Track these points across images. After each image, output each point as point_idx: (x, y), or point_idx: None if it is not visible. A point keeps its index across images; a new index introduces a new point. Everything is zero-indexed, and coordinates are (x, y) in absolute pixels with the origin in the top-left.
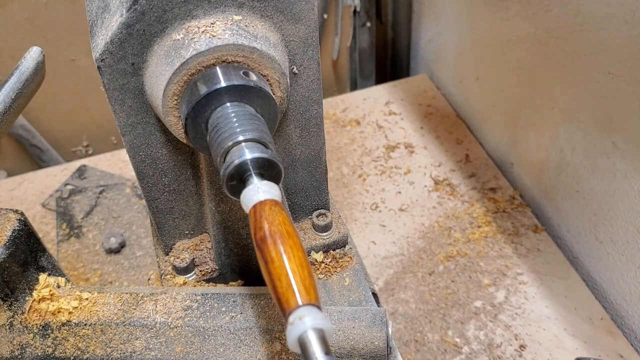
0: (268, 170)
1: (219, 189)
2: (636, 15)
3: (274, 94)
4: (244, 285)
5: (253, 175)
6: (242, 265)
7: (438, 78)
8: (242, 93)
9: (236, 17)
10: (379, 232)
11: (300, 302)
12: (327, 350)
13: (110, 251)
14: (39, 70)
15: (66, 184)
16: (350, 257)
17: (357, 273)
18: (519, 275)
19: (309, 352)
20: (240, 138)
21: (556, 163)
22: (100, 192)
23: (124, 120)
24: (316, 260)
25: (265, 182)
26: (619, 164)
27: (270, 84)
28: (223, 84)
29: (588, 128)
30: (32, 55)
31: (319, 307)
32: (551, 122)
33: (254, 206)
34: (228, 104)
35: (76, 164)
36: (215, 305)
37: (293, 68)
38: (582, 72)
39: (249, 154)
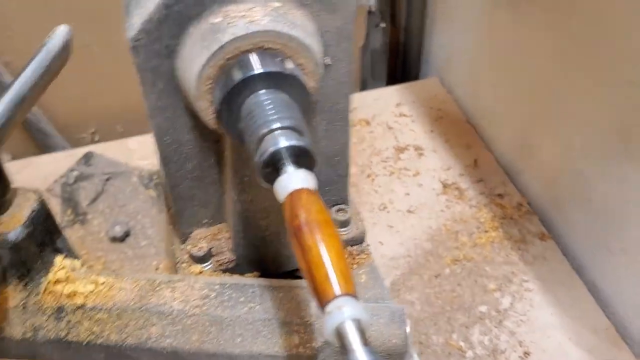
0: (303, 158)
1: (242, 177)
2: None
3: (307, 84)
4: (259, 277)
5: (288, 163)
6: (260, 257)
7: (449, 82)
8: (277, 80)
9: (276, 4)
10: (387, 233)
11: (338, 292)
12: (365, 341)
13: (115, 239)
14: (66, 49)
15: (72, 170)
16: (367, 255)
17: (374, 270)
18: (525, 282)
19: (348, 342)
20: (276, 125)
21: (568, 171)
22: (107, 180)
23: (154, 102)
24: None
25: (301, 170)
26: (632, 174)
27: (305, 74)
28: (260, 70)
29: (604, 137)
30: (60, 33)
31: (356, 298)
32: (566, 130)
33: (290, 194)
34: (263, 91)
35: (82, 150)
36: (234, 295)
37: (326, 59)
38: (603, 81)
39: (284, 141)
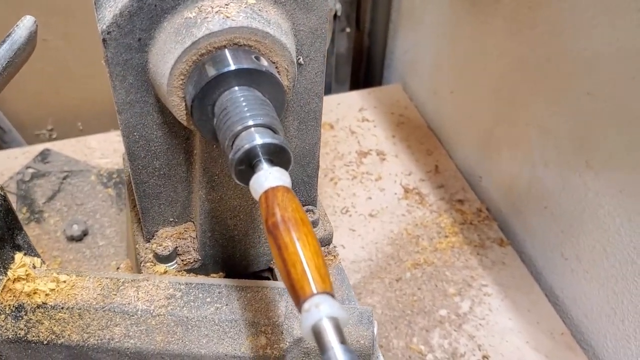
0: (278, 156)
1: (212, 176)
2: (620, 39)
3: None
4: (225, 277)
5: (263, 160)
6: (226, 257)
7: (411, 89)
8: (252, 77)
9: (250, 1)
10: (349, 237)
11: (315, 290)
12: (342, 339)
13: (72, 239)
14: (31, 40)
15: (28, 167)
16: (334, 256)
17: (341, 272)
18: (484, 286)
19: (325, 340)
20: (251, 123)
21: (527, 179)
22: (64, 178)
23: (123, 97)
24: None
25: (277, 168)
26: (590, 182)
27: (279, 72)
28: (234, 66)
29: (563, 146)
30: (26, 25)
31: (333, 296)
32: (526, 138)
33: (266, 192)
34: (237, 88)
35: (39, 147)
36: (200, 295)
37: (299, 58)
38: (562, 90)
39: (259, 139)
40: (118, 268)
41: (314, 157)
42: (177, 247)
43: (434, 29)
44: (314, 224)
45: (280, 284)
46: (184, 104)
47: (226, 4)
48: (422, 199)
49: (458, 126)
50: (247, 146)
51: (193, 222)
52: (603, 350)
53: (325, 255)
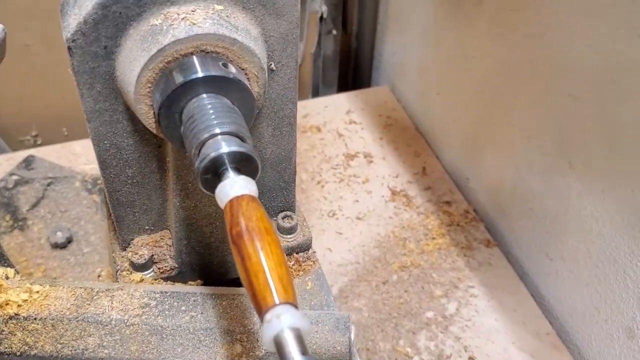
0: (245, 165)
1: (186, 183)
2: (600, 40)
3: (251, 89)
4: (203, 285)
5: (229, 169)
6: (203, 264)
7: (399, 91)
8: (219, 85)
9: (218, 7)
10: (335, 240)
11: (277, 301)
12: (303, 350)
13: (56, 246)
14: (1, 48)
15: (11, 174)
16: (314, 261)
17: (320, 277)
18: (471, 288)
19: (285, 351)
20: (217, 130)
21: (511, 180)
22: (48, 184)
23: (91, 106)
24: None
25: (242, 177)
26: (573, 183)
27: (248, 78)
28: (201, 74)
29: (546, 148)
30: None
31: (296, 307)
32: (510, 140)
33: (231, 201)
34: (204, 95)
35: (23, 153)
36: (175, 304)
37: (271, 64)
38: (544, 93)
39: (225, 147)
40: (99, 276)
41: (291, 163)
42: (153, 255)
43: (420, 31)
44: (292, 229)
45: None
46: (152, 111)
47: (193, 10)
48: (409, 201)
49: (445, 128)
50: (213, 154)
51: (169, 229)
52: (588, 349)
53: (305, 261)
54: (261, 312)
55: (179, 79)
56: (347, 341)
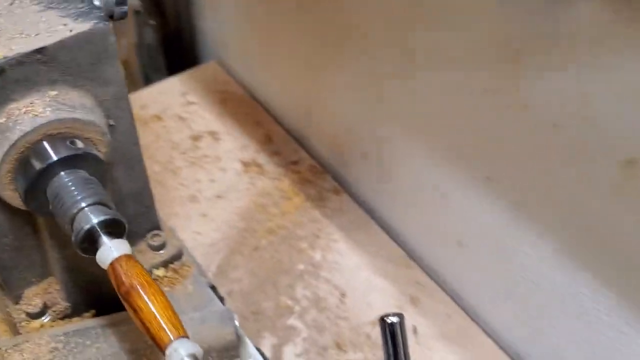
0: (114, 227)
1: (60, 239)
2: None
3: (99, 151)
4: (96, 313)
5: (102, 235)
6: (94, 298)
7: (227, 64)
8: (73, 161)
9: (52, 92)
10: (202, 223)
11: (172, 338)
12: None
13: None
14: None
15: None
16: (189, 266)
17: (197, 278)
18: (330, 234)
19: None
20: (83, 204)
21: (344, 130)
22: None
23: None
24: (159, 276)
25: (115, 240)
26: (387, 123)
27: (94, 144)
28: (54, 157)
29: (368, 99)
30: None
31: (188, 337)
32: (337, 97)
33: (112, 264)
34: (62, 173)
35: None
36: (79, 340)
37: (110, 121)
38: (352, 53)
39: (94, 218)
40: None
41: (147, 191)
42: (45, 302)
43: (232, 3)
44: (162, 246)
45: None
46: (17, 194)
47: (31, 103)
48: (261, 170)
49: (278, 94)
50: (86, 227)
51: (54, 275)
52: (429, 260)
53: (181, 268)
54: (162, 349)
55: (37, 165)
56: (232, 330)
